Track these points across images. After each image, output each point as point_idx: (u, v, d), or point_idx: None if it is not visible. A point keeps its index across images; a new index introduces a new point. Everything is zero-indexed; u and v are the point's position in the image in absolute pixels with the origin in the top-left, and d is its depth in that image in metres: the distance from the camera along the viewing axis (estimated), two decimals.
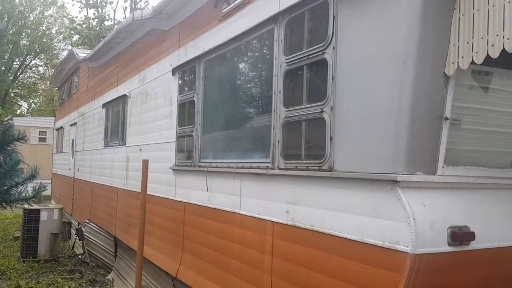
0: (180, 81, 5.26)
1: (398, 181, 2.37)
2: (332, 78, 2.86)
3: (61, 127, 14.22)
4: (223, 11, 4.32)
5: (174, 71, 5.33)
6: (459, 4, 2.42)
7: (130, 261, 7.08)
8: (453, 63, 2.43)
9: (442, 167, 2.53)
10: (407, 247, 2.29)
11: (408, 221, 2.31)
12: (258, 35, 3.78)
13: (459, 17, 2.42)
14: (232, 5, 4.18)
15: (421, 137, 2.47)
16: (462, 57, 2.38)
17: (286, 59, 3.31)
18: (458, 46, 2.40)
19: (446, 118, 2.50)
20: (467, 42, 2.34)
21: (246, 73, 4.13)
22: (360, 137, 2.67)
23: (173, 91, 5.37)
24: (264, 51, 3.81)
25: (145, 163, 4.70)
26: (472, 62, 2.33)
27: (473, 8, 2.33)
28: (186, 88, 5.13)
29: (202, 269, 4.52)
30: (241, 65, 4.19)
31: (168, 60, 5.59)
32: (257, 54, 4.00)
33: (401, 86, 2.44)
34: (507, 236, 2.59)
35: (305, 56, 3.12)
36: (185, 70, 5.18)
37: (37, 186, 7.40)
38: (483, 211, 2.60)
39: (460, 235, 2.38)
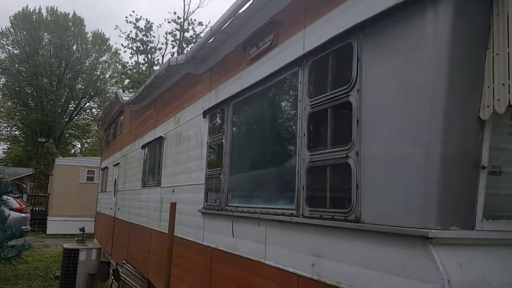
0: (210, 124, 5.26)
1: (430, 238, 2.12)
2: (357, 121, 2.69)
3: (106, 167, 14.68)
4: (251, 54, 4.31)
5: (205, 114, 5.35)
6: (492, 42, 2.22)
7: None
8: (488, 106, 2.21)
9: (481, 221, 2.25)
10: None
11: (442, 283, 2.03)
12: (283, 78, 3.71)
13: (492, 57, 2.21)
14: (260, 48, 4.16)
15: (455, 188, 2.22)
16: (498, 100, 2.16)
17: (310, 101, 3.19)
18: (493, 88, 2.18)
19: (483, 167, 2.25)
20: (503, 84, 2.12)
21: (272, 116, 4.04)
22: (388, 186, 2.45)
23: (204, 133, 5.36)
24: (289, 94, 3.71)
25: (173, 205, 4.63)
26: (510, 105, 2.10)
27: (508, 47, 2.12)
28: (215, 130, 5.11)
29: None
30: (266, 108, 4.11)
31: (200, 103, 5.63)
32: (282, 97, 3.91)
33: (429, 132, 2.23)
34: None
35: (329, 99, 2.98)
36: (214, 113, 5.17)
37: (22, 244, 7.51)
38: None
39: None
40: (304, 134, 3.25)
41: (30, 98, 44.10)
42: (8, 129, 44.43)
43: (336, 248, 2.81)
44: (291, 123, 3.61)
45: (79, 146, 50.76)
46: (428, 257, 2.12)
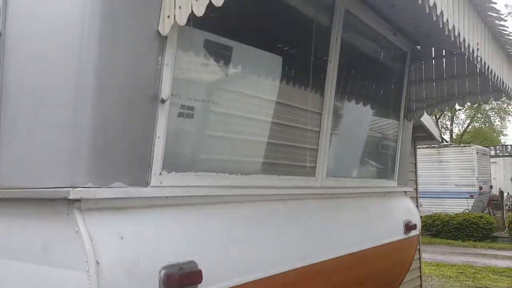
0: None
1: (75, 200, 1.40)
2: None
3: None
4: None
5: None
6: None
7: None
8: (168, 17, 1.62)
9: (160, 174, 1.67)
10: None
11: (87, 267, 1.34)
12: None
13: None
14: None
15: (120, 129, 1.55)
16: (180, 8, 1.58)
17: None
18: None
19: (163, 100, 1.66)
20: None
21: None
22: (29, 140, 1.63)
23: None
24: None
25: None
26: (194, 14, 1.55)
27: None
28: None
29: None
30: None
31: None
32: None
33: (81, 50, 1.50)
34: (250, 269, 1.88)
35: None
36: None
37: None
38: (219, 236, 1.82)
39: (179, 278, 1.53)
40: None
41: None
42: None
43: None
44: None
45: None
46: (73, 229, 1.40)
